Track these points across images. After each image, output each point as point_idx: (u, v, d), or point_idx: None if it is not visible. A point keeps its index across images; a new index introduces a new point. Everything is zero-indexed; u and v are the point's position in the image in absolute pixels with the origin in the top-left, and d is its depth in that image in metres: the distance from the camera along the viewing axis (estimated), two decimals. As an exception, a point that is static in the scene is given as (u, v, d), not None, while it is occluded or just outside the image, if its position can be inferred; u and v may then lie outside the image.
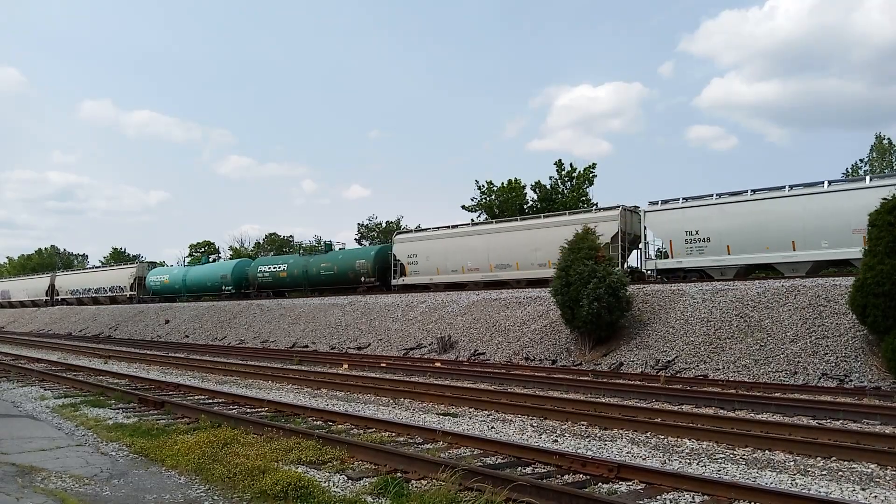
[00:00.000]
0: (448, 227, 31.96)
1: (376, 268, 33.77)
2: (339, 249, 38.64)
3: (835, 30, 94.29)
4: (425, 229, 33.94)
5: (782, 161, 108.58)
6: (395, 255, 32.99)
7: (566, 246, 20.46)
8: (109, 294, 53.36)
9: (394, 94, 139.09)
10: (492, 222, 31.09)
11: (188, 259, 65.95)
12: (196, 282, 44.63)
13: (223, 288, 42.35)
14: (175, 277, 46.51)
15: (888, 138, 45.11)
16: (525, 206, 47.05)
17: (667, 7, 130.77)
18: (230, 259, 56.80)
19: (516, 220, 30.73)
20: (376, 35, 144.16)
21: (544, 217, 29.69)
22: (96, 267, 57.82)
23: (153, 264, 54.55)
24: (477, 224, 33.92)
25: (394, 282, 32.76)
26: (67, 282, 59.15)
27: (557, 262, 20.60)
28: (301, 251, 49.56)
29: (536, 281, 26.56)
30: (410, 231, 35.42)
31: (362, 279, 34.21)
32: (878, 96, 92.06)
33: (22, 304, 65.04)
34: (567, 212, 30.61)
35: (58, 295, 58.85)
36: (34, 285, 63.42)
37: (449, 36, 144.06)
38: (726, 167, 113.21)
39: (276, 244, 67.64)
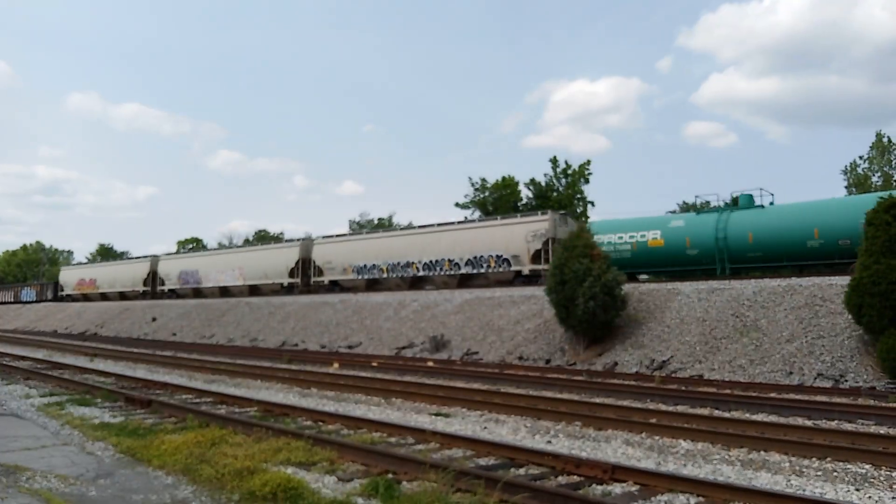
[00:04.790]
0: None
1: None
2: None
3: (836, 26, 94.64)
4: None
5: (782, 159, 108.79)
6: None
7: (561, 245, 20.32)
8: (463, 272, 29.40)
9: (388, 89, 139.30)
10: None
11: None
12: (772, 239, 21.89)
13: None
14: (672, 236, 23.90)
15: (888, 136, 45.38)
16: (520, 204, 47.11)
17: (665, 0, 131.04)
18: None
19: None
20: (370, 28, 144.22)
21: None
22: (404, 228, 35.36)
23: (565, 217, 28.99)
24: None
25: None
26: (342, 254, 35.03)
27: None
28: None
29: None
30: None
31: None
32: (878, 94, 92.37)
33: (226, 293, 40.87)
34: None
35: (319, 275, 35.83)
36: (266, 261, 39.23)
37: (444, 29, 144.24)
38: (725, 164, 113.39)
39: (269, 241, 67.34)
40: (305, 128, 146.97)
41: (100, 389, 13.69)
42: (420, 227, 33.40)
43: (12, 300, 61.85)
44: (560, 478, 7.10)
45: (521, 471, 7.38)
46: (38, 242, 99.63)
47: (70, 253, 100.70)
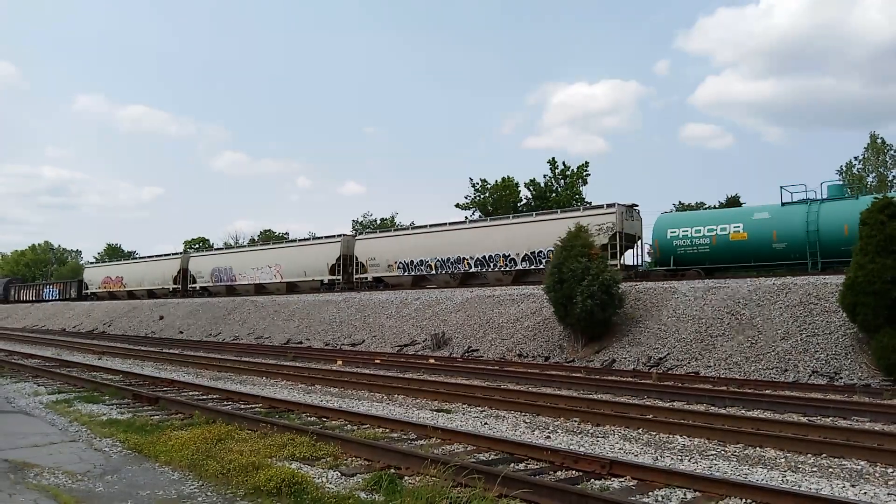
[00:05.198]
0: None
1: None
2: None
3: (832, 28, 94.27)
4: None
5: (778, 160, 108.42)
6: None
7: (560, 243, 20.51)
8: (520, 267, 27.43)
9: (390, 91, 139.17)
10: None
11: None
12: None
13: None
14: (757, 229, 22.23)
15: (881, 137, 45.49)
16: (519, 204, 47.21)
17: (663, 4, 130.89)
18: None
19: None
20: (372, 30, 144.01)
21: None
22: (454, 222, 32.14)
23: (632, 210, 25.66)
24: None
25: None
26: (387, 250, 32.89)
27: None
28: None
29: None
30: None
31: None
32: (874, 95, 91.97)
33: (262, 290, 38.15)
34: None
35: (362, 272, 33.49)
36: (305, 258, 36.37)
37: (446, 32, 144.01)
38: (722, 166, 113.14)
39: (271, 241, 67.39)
40: (308, 129, 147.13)
41: (108, 387, 13.78)
42: (472, 221, 31.31)
43: (34, 298, 61.01)
44: (559, 472, 7.17)
45: (521, 466, 7.48)
46: (46, 242, 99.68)
47: (79, 252, 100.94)
